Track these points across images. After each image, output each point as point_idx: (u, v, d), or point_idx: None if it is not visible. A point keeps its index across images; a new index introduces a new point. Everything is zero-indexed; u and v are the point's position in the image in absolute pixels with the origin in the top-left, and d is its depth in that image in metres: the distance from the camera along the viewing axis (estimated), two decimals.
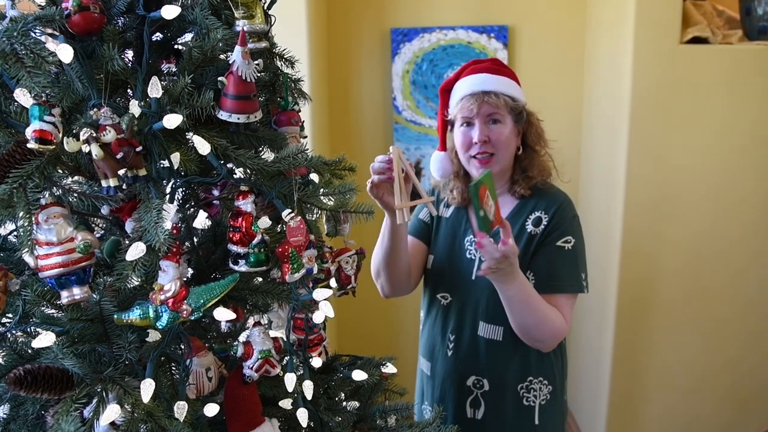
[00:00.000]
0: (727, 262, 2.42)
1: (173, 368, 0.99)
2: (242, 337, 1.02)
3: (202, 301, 0.86)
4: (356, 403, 1.20)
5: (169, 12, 0.86)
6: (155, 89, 0.85)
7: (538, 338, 1.40)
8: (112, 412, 0.80)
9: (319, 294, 0.98)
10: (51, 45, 0.78)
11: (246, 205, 0.94)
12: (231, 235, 0.94)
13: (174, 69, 1.00)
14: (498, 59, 1.51)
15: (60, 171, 0.92)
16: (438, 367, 1.58)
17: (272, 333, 1.03)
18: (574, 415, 2.97)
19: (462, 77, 1.47)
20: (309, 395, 1.02)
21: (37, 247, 0.81)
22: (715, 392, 2.57)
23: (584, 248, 1.48)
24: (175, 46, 1.02)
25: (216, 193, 1.07)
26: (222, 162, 0.92)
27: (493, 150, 1.43)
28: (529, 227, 1.45)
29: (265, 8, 1.05)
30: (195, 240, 1.09)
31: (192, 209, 1.10)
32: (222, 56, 0.96)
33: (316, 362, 1.08)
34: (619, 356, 2.51)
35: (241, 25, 0.96)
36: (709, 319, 2.48)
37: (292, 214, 0.94)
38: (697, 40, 2.25)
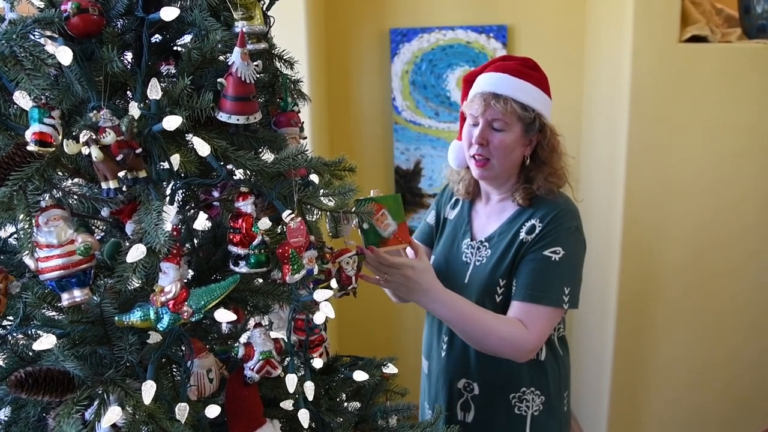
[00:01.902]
0: (728, 257, 2.43)
1: (174, 370, 0.99)
2: (243, 339, 1.02)
3: (202, 302, 0.86)
4: (357, 403, 1.20)
5: (168, 14, 0.86)
6: (155, 91, 0.85)
7: (491, 351, 1.36)
8: (114, 414, 0.80)
9: (320, 295, 0.97)
10: (50, 47, 0.78)
11: (246, 206, 0.94)
12: (231, 237, 0.94)
13: (173, 71, 1.00)
14: (531, 60, 1.43)
15: (60, 173, 0.92)
16: (433, 366, 1.59)
17: (273, 334, 1.03)
18: (576, 412, 2.96)
19: (485, 71, 1.42)
20: (310, 396, 1.02)
21: (37, 249, 0.81)
22: (716, 385, 2.58)
23: (576, 262, 1.40)
24: (175, 48, 1.02)
25: (216, 194, 1.07)
26: (222, 163, 0.92)
27: (489, 156, 1.40)
28: (522, 235, 1.40)
29: (264, 9, 1.05)
30: (195, 241, 1.09)
31: (192, 211, 1.10)
32: (221, 58, 0.96)
33: (317, 363, 1.07)
34: (620, 350, 2.51)
35: (240, 26, 0.96)
36: (710, 312, 2.49)
37: (292, 215, 0.94)
38: (696, 39, 2.26)
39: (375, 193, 1.33)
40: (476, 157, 1.41)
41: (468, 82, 1.48)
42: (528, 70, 1.41)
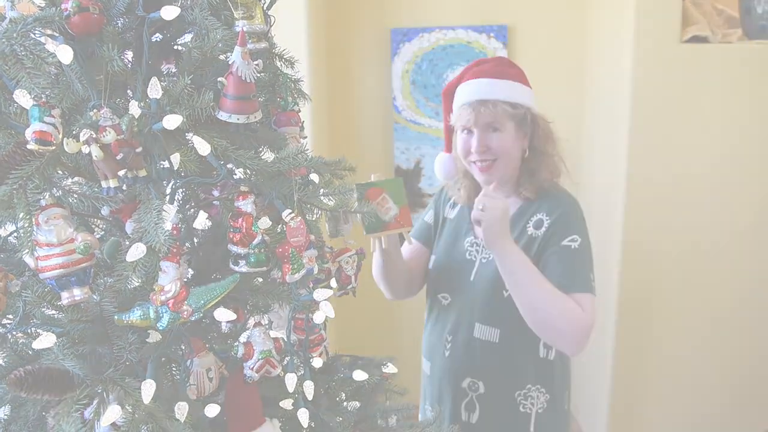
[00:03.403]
0: (728, 256, 2.43)
1: (174, 369, 0.99)
2: (243, 338, 1.02)
3: (202, 301, 0.86)
4: (357, 403, 1.20)
5: (169, 13, 0.86)
6: (155, 90, 0.85)
7: (547, 324, 1.32)
8: (113, 413, 0.80)
9: (320, 294, 0.98)
10: (50, 46, 0.78)
11: (246, 205, 0.93)
12: (231, 236, 0.94)
13: (174, 70, 1.00)
14: (504, 58, 1.46)
15: (60, 172, 0.92)
16: (436, 367, 1.57)
17: (273, 333, 1.03)
18: (574, 412, 2.96)
19: (463, 81, 1.44)
20: (310, 395, 1.02)
21: (37, 248, 0.81)
22: (716, 385, 2.57)
23: (591, 250, 1.43)
24: (175, 47, 1.02)
25: (216, 193, 1.07)
26: (222, 162, 0.92)
27: (495, 156, 1.40)
28: (530, 229, 1.42)
29: (265, 8, 1.05)
30: (195, 241, 1.09)
31: (192, 210, 1.10)
32: (221, 57, 0.96)
33: (317, 362, 1.08)
34: (619, 350, 2.51)
35: (240, 25, 0.96)
36: (710, 312, 2.48)
37: (292, 215, 0.94)
38: (697, 39, 2.26)
39: (375, 177, 1.33)
40: (478, 162, 1.41)
41: (448, 94, 1.49)
42: (505, 69, 1.42)
